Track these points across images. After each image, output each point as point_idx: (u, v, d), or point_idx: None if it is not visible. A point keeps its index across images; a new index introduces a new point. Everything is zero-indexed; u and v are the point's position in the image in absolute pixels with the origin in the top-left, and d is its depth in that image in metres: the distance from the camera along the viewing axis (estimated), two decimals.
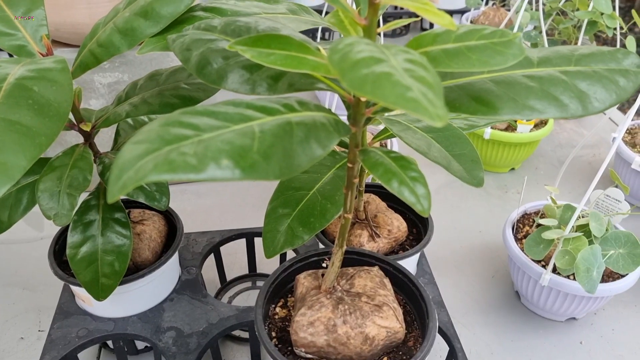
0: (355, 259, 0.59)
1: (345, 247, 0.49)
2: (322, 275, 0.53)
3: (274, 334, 0.53)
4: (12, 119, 0.39)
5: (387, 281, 0.54)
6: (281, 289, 0.57)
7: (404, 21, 0.36)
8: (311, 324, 0.47)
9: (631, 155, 0.97)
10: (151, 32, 0.49)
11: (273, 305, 0.56)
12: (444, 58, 0.32)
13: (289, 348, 0.51)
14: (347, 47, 0.27)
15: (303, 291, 0.52)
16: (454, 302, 0.81)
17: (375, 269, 0.55)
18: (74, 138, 0.61)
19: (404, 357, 0.50)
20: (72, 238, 0.60)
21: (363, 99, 0.37)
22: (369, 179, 0.79)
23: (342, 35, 0.36)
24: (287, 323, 0.54)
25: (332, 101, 0.99)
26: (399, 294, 0.57)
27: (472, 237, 0.95)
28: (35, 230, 0.93)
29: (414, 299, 0.56)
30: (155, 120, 0.30)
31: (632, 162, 0.97)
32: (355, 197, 0.57)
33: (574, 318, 0.80)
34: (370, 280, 0.52)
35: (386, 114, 0.48)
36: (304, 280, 0.53)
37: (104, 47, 0.51)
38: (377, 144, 0.75)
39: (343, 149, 0.64)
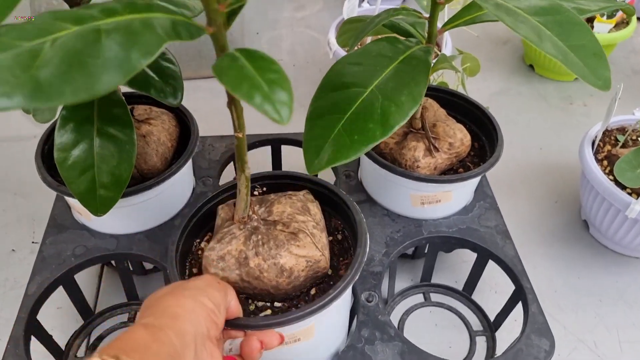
0: (289, 184, 0.50)
1: (248, 172, 0.39)
2: None
3: (194, 270, 0.46)
4: None
5: (313, 205, 0.46)
6: (209, 221, 0.49)
7: None
8: (221, 258, 0.42)
9: None
10: None
11: (198, 240, 0.49)
12: None
13: None
14: None
15: (219, 223, 0.45)
16: (511, 230, 0.70)
17: (302, 193, 0.47)
18: None
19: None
20: (60, 138, 0.47)
21: None
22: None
23: None
24: None
25: None
26: (337, 218, 0.50)
27: (532, 155, 0.82)
28: (33, 125, 0.81)
29: (350, 224, 0.48)
30: None
31: None
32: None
33: None
34: (290, 205, 0.45)
35: None
36: (221, 212, 0.46)
37: None
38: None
39: (408, 38, 0.49)
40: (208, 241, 0.49)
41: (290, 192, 0.47)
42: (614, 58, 1.00)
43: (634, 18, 0.89)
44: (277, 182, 0.51)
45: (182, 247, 0.46)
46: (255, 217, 0.44)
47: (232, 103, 0.35)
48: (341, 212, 0.49)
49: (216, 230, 0.45)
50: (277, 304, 0.44)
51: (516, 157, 0.81)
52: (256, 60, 0.28)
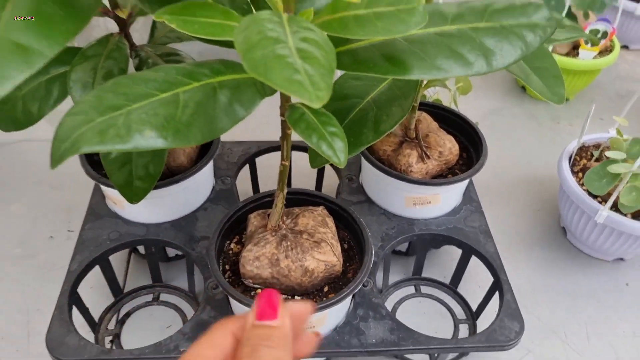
0: (306, 199, 0.59)
1: (286, 191, 0.49)
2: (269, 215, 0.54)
3: (227, 267, 0.55)
4: None
5: (329, 220, 0.56)
6: (236, 226, 0.58)
7: None
8: (257, 258, 0.50)
9: None
10: None
11: (228, 242, 0.57)
12: (354, 25, 0.31)
13: (241, 280, 0.53)
14: (251, 24, 0.28)
15: (252, 229, 0.54)
16: (497, 234, 0.77)
17: (320, 208, 0.56)
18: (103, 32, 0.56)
19: (343, 287, 0.53)
20: None
21: None
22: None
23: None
24: (239, 258, 0.53)
25: None
26: (344, 231, 0.59)
27: (520, 168, 0.89)
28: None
29: (356, 236, 0.57)
30: (94, 90, 0.33)
31: None
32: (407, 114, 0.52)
33: (622, 259, 0.75)
34: (313, 219, 0.54)
35: None
36: (253, 220, 0.55)
37: None
38: None
39: None
40: (237, 243, 0.57)
41: (311, 207, 0.56)
42: (600, 83, 1.08)
43: (617, 46, 0.97)
44: (296, 197, 0.59)
45: (217, 247, 0.54)
46: (284, 227, 0.53)
47: (285, 138, 0.44)
48: (349, 227, 0.59)
49: (250, 235, 0.54)
50: (297, 298, 0.53)
51: (506, 170, 0.89)
52: (319, 116, 0.37)
